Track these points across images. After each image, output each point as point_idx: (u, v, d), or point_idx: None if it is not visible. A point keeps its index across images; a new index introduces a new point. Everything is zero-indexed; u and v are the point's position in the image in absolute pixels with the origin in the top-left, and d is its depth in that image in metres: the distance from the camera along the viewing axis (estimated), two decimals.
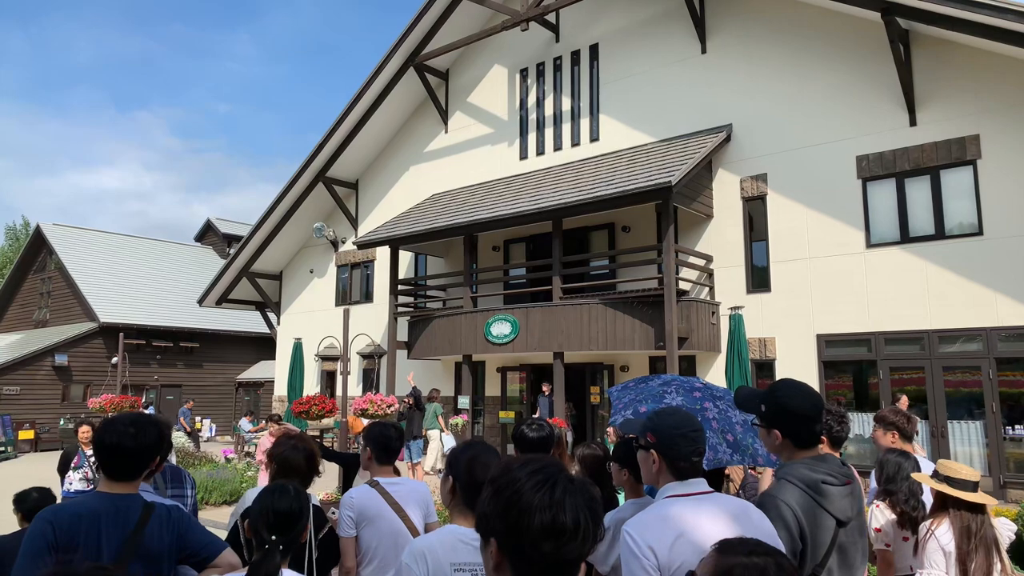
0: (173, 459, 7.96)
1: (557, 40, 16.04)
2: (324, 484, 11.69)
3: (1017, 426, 10.25)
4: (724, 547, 1.49)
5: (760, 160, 12.81)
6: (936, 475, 3.33)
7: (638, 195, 11.69)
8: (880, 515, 3.61)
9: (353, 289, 19.63)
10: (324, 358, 19.42)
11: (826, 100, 12.18)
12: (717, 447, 3.14)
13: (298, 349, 17.77)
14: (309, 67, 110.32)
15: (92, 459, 7.77)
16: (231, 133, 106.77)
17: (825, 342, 11.85)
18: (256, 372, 29.36)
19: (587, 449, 3.72)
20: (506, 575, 1.31)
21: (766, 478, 5.12)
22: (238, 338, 29.64)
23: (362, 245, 16.31)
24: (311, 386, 19.62)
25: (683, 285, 12.66)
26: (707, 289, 13.13)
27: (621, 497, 3.51)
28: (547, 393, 13.54)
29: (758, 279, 12.71)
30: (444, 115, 17.93)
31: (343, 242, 19.99)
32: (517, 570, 1.29)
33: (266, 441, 8.93)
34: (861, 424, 11.41)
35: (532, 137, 16.26)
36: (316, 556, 3.14)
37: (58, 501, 2.67)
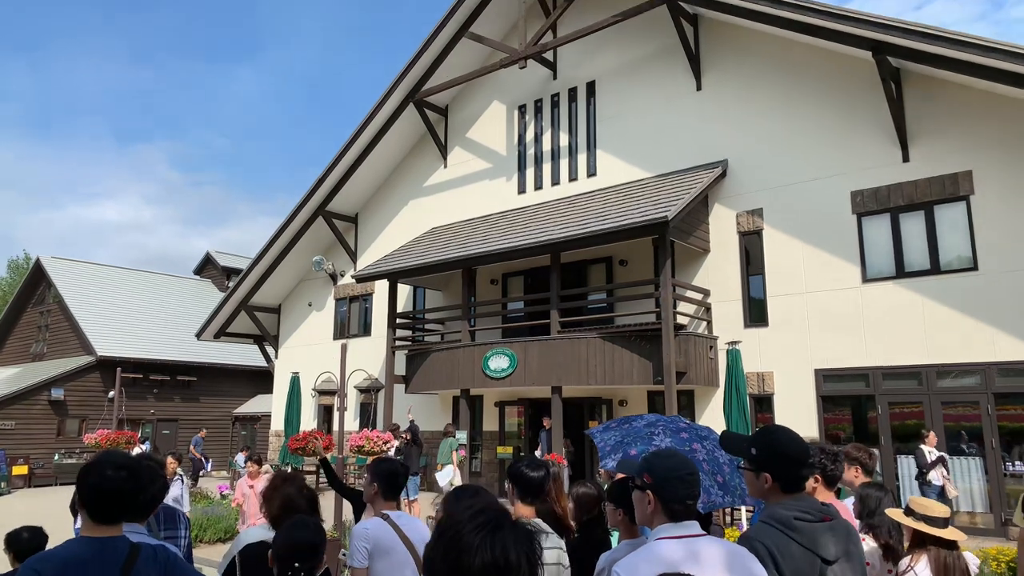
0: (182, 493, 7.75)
1: (555, 77, 16.29)
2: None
3: (1017, 463, 10.19)
4: None
5: (756, 195, 12.93)
6: (910, 512, 3.39)
7: (635, 230, 11.77)
8: (864, 548, 3.63)
9: (351, 322, 19.62)
10: (321, 392, 19.34)
11: (820, 136, 12.34)
12: (709, 489, 3.14)
13: (295, 383, 17.70)
14: (309, 102, 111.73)
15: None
16: (231, 167, 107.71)
17: (823, 377, 11.83)
18: (253, 406, 29.19)
19: (583, 488, 3.71)
20: None
21: None
22: (235, 372, 29.52)
23: (361, 279, 16.36)
24: (308, 421, 19.50)
25: (681, 319, 12.68)
26: (705, 323, 13.15)
27: (614, 539, 3.49)
28: (548, 428, 13.46)
29: (755, 313, 12.73)
30: (443, 150, 18.12)
31: (342, 275, 20.04)
32: None
33: (245, 483, 8.40)
34: None
35: (530, 172, 16.42)
36: None
37: (71, 535, 2.63)
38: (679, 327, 12.20)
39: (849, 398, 11.70)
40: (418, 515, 11.95)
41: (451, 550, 1.32)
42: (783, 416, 12.03)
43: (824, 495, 3.42)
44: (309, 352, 20.32)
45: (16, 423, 24.02)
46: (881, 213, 11.67)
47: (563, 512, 3.69)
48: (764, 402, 12.41)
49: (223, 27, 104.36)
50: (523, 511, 3.24)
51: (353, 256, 19.68)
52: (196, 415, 28.32)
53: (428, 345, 15.64)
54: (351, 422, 18.17)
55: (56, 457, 23.65)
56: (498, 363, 13.52)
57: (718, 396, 12.64)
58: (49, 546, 3.13)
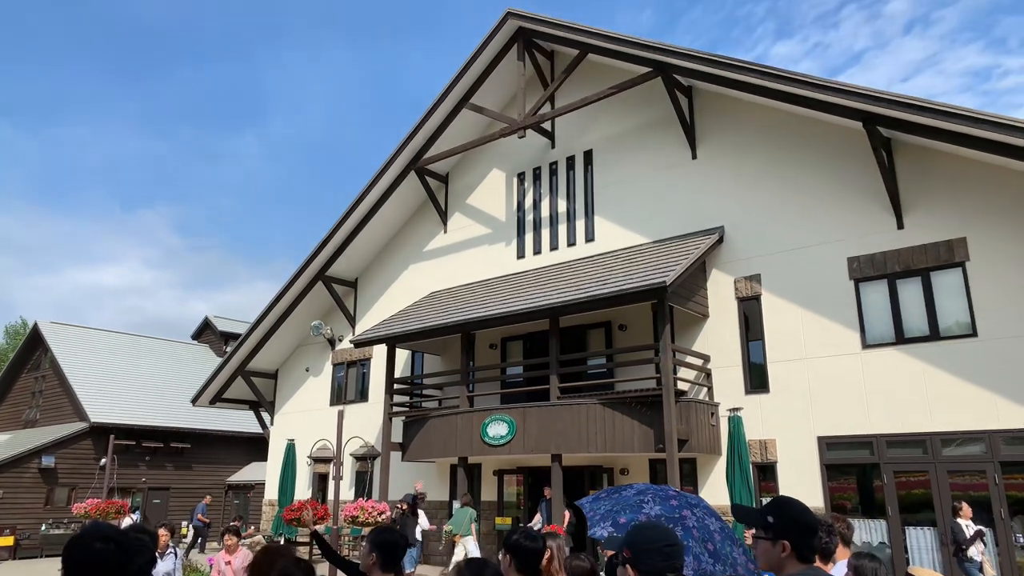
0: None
1: (553, 146, 16.64)
2: None
3: None
4: None
5: (753, 261, 13.02)
6: None
7: (634, 294, 11.80)
8: None
9: (348, 388, 19.45)
10: (317, 460, 19.00)
11: (815, 203, 12.51)
12: (699, 556, 3.10)
13: (291, 450, 17.42)
14: (311, 167, 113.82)
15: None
16: (232, 231, 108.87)
17: (826, 444, 11.65)
18: (247, 474, 28.65)
19: (576, 560, 3.63)
20: None
21: None
22: (230, 439, 29.09)
23: (359, 343, 16.29)
24: (303, 489, 19.10)
25: (681, 385, 12.58)
26: (705, 389, 13.04)
27: None
28: (548, 497, 13.17)
29: (756, 379, 12.64)
30: (444, 216, 18.35)
31: (340, 340, 19.97)
32: None
33: (221, 559, 7.75)
34: (869, 531, 11.05)
35: (529, 237, 16.58)
36: None
37: None
38: (680, 393, 12.09)
39: (854, 467, 11.50)
40: None
41: None
42: (787, 485, 11.80)
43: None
44: (305, 419, 20.06)
45: (4, 492, 23.50)
46: (878, 279, 11.73)
47: None
48: (767, 470, 12.19)
49: (230, 97, 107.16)
50: None
51: (352, 321, 19.66)
52: (189, 483, 27.77)
53: (426, 411, 15.46)
54: (346, 491, 17.80)
55: (43, 527, 23.04)
56: (497, 430, 13.33)
57: (720, 464, 12.43)
58: None
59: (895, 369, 11.24)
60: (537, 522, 13.17)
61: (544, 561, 3.46)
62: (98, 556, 2.31)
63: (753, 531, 2.56)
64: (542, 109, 15.82)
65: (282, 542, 15.67)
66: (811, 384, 11.98)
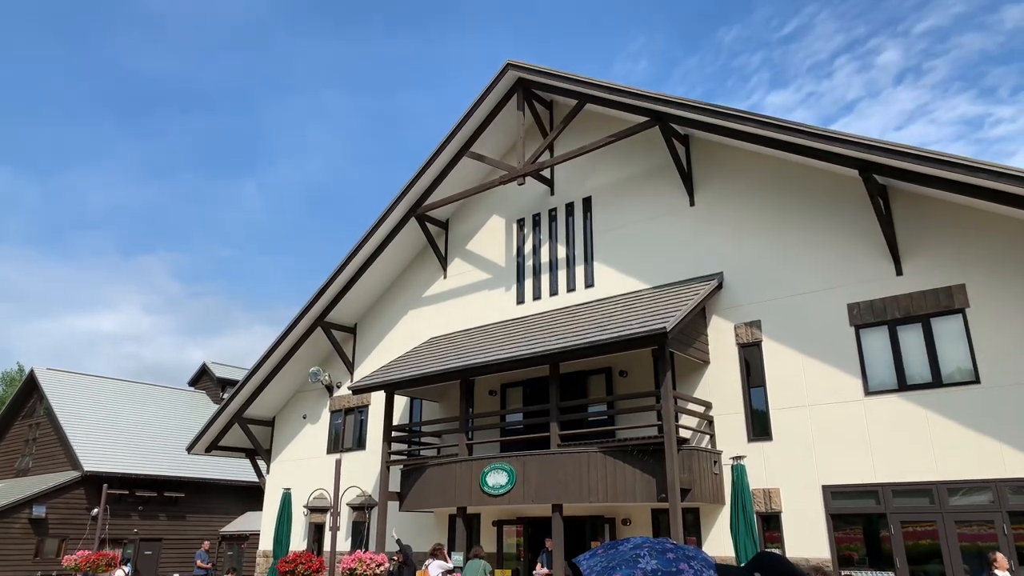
0: None
1: (552, 193, 16.79)
2: None
3: None
4: None
5: (753, 307, 13.01)
6: None
7: (634, 340, 11.75)
8: None
9: (346, 436, 19.20)
10: (313, 509, 18.66)
11: (813, 250, 12.56)
12: None
13: (286, 500, 17.12)
14: (311, 214, 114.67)
15: None
16: (231, 277, 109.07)
17: (831, 494, 11.46)
18: (241, 524, 28.11)
19: None
20: None
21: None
22: (225, 487, 28.64)
23: (357, 390, 16.15)
24: (298, 540, 18.71)
25: (683, 433, 12.43)
26: (708, 437, 12.88)
27: None
28: (549, 548, 12.90)
29: (758, 427, 12.50)
30: (443, 261, 18.40)
31: (338, 387, 19.81)
32: None
33: None
34: None
35: (529, 283, 16.60)
36: None
37: None
38: (682, 441, 11.94)
39: (860, 516, 11.28)
40: None
41: None
42: (792, 536, 11.57)
43: None
44: (302, 467, 19.77)
45: None
46: (879, 325, 11.70)
47: None
48: (772, 520, 11.96)
49: (231, 145, 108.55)
50: None
51: (350, 367, 19.54)
52: (182, 534, 27.23)
53: (424, 460, 15.24)
54: (343, 542, 17.42)
55: None
56: (496, 479, 13.12)
57: (724, 514, 12.20)
58: None
59: (898, 416, 11.13)
60: (540, 574, 12.87)
61: None
62: None
63: None
64: (541, 157, 16.01)
65: None
66: (814, 432, 11.84)
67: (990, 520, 10.14)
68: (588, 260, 15.67)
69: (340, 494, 12.82)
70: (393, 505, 15.64)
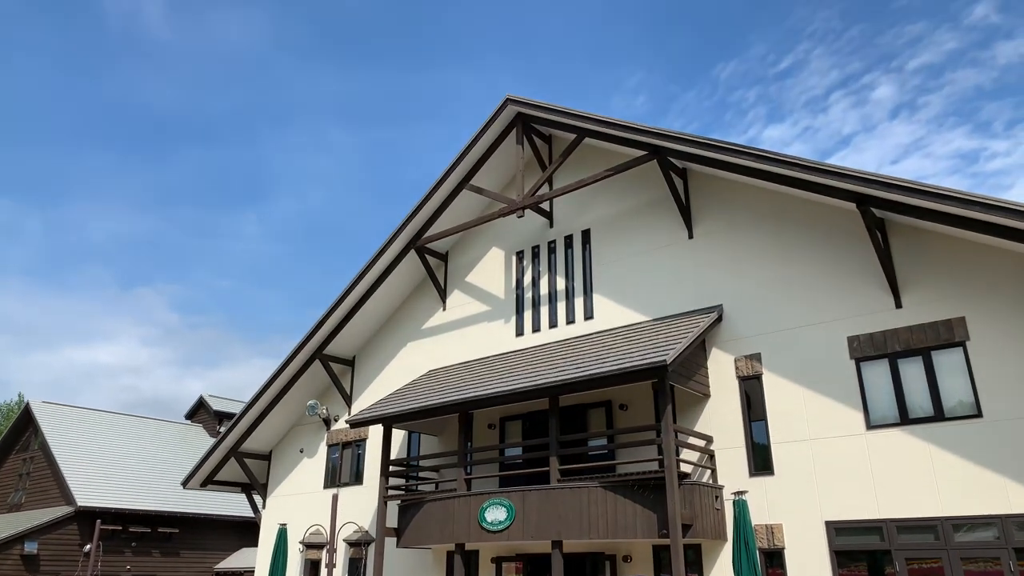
0: None
1: (551, 225, 16.85)
2: None
3: None
4: None
5: (753, 340, 12.97)
6: None
7: (634, 373, 11.66)
8: None
9: (343, 470, 18.99)
10: (309, 546, 18.37)
11: (813, 282, 12.56)
12: None
13: (282, 535, 16.86)
14: (311, 247, 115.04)
15: None
16: (229, 309, 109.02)
17: (835, 530, 11.30)
18: (236, 561, 27.65)
19: None
20: None
21: None
22: (220, 523, 28.25)
23: (355, 423, 16.00)
24: None
25: (684, 467, 12.29)
26: (709, 471, 12.74)
27: None
28: None
29: (760, 461, 12.38)
30: (443, 293, 18.39)
31: (336, 420, 19.65)
32: None
33: None
34: None
35: (528, 315, 16.57)
36: None
37: None
38: (683, 475, 11.81)
39: (864, 553, 11.10)
40: None
41: None
42: (796, 573, 11.37)
43: None
44: (298, 502, 19.52)
45: None
46: (879, 359, 11.65)
47: None
48: (775, 557, 11.77)
49: (231, 177, 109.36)
50: None
51: (348, 400, 19.40)
52: (175, 571, 26.78)
53: (422, 495, 15.04)
54: None
55: None
56: (495, 515, 12.94)
57: (726, 551, 12.02)
58: None
59: (901, 451, 11.03)
60: None
61: None
62: None
63: None
64: (540, 190, 16.10)
65: None
66: (816, 466, 11.72)
67: (996, 557, 9.98)
68: (587, 292, 15.67)
69: (337, 530, 12.64)
70: (390, 541, 15.40)
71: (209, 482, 20.45)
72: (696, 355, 12.99)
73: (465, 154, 16.86)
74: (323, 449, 19.65)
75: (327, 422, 19.73)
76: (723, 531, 12.15)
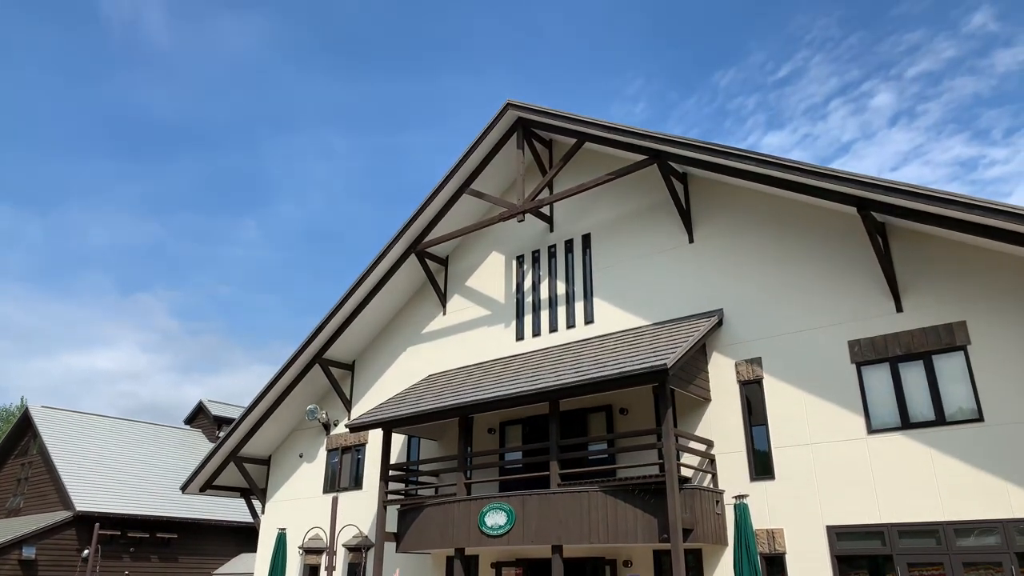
0: None
1: (551, 230, 16.85)
2: None
3: None
4: None
5: (753, 344, 12.95)
6: None
7: (634, 377, 11.64)
8: None
9: (343, 475, 18.94)
10: (308, 551, 18.31)
11: (813, 286, 12.55)
12: None
13: (281, 540, 16.81)
14: (311, 252, 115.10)
15: None
16: (229, 315, 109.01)
17: (836, 534, 11.26)
18: (235, 566, 27.56)
19: None
20: None
21: None
22: (219, 528, 28.16)
23: (354, 428, 15.97)
24: None
25: (685, 472, 12.26)
26: (709, 476, 12.71)
27: None
28: None
29: (760, 466, 12.35)
30: (443, 298, 18.38)
31: (335, 424, 19.61)
32: None
33: None
34: None
35: (528, 319, 16.56)
36: None
37: None
38: (683, 480, 11.77)
39: (865, 558, 11.06)
40: None
41: None
42: None
43: None
44: (297, 507, 19.46)
45: None
46: (880, 363, 11.63)
47: None
48: (776, 562, 11.73)
49: (231, 183, 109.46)
50: None
51: (348, 404, 19.37)
52: None
53: (422, 499, 15.00)
54: None
55: None
56: (495, 519, 12.90)
57: (727, 555, 11.98)
58: None
59: (902, 455, 11.00)
60: None
61: None
62: None
63: None
64: (541, 194, 16.11)
65: None
66: (817, 471, 11.69)
67: (998, 562, 9.94)
68: (588, 296, 15.66)
69: (336, 534, 12.60)
70: (390, 546, 15.35)
71: (208, 487, 20.39)
72: (697, 359, 12.98)
73: (465, 158, 16.87)
74: (322, 454, 19.61)
75: (326, 426, 19.69)
76: (724, 536, 12.11)
